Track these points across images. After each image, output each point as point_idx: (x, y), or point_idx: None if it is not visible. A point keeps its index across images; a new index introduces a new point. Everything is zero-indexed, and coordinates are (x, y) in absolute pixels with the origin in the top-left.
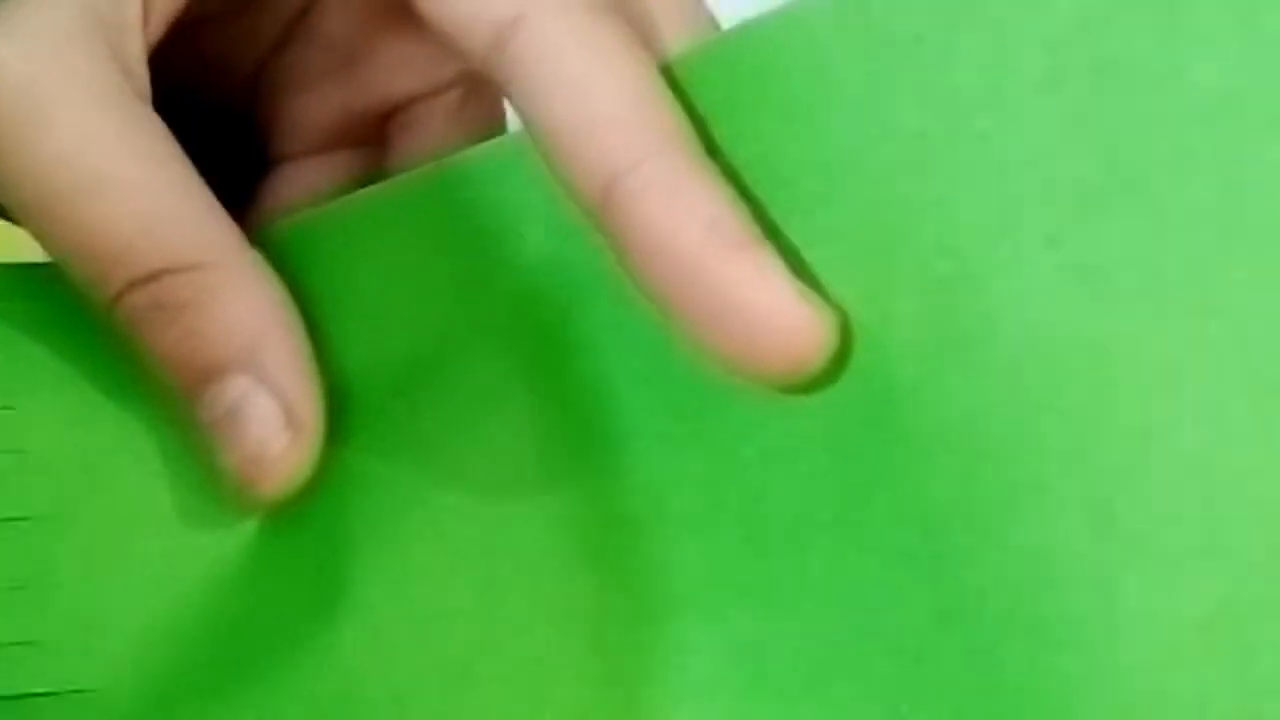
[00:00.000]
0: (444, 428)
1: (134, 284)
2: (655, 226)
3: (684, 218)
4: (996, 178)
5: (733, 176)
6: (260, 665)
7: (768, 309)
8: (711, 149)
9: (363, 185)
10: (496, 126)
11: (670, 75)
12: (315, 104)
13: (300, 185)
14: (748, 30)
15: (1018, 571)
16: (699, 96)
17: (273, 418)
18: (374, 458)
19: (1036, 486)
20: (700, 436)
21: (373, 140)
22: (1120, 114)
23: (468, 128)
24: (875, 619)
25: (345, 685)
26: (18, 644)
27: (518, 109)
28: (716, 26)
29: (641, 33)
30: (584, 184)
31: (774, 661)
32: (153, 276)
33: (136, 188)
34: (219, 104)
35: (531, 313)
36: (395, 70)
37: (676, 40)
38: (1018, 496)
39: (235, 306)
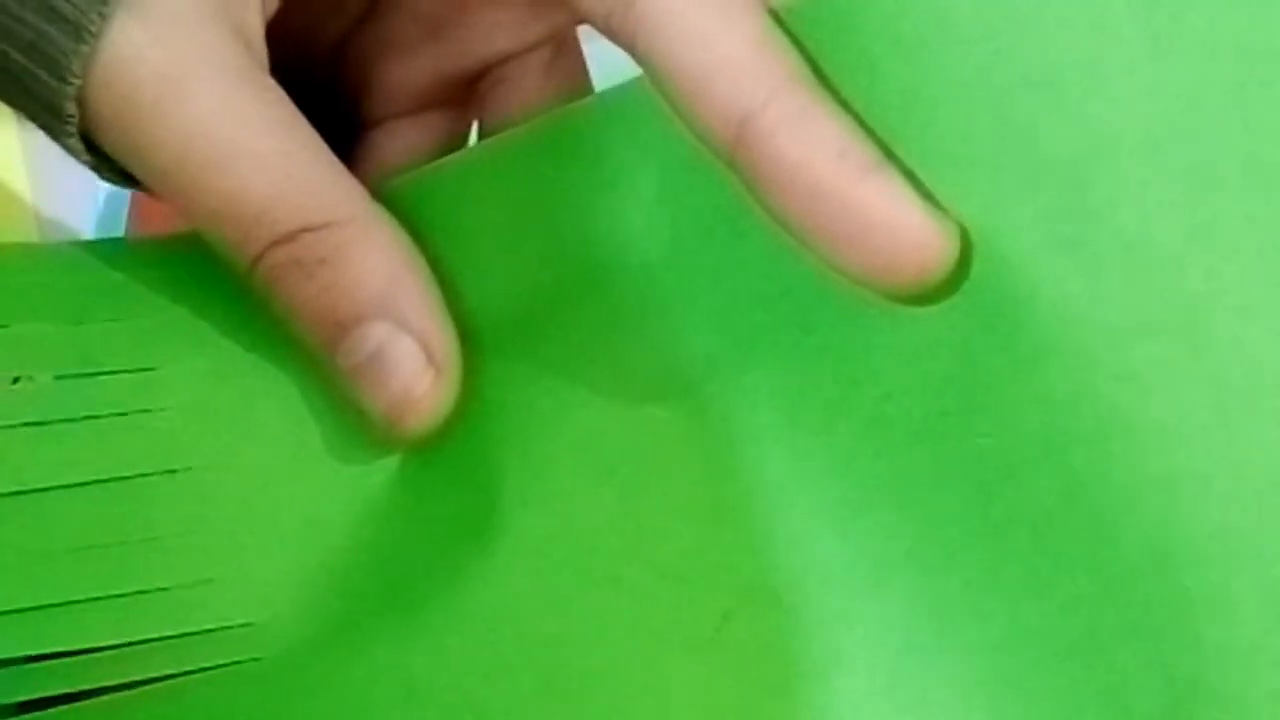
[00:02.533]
0: (574, 355)
1: (274, 244)
2: (789, 159)
3: (815, 148)
4: (1096, 92)
5: (848, 108)
6: (415, 592)
7: (898, 224)
8: (825, 84)
9: (454, 144)
10: (584, 83)
11: (781, 19)
12: (406, 70)
13: (393, 147)
14: None
15: (1141, 447)
16: (808, 37)
17: (415, 359)
18: (504, 388)
19: (1156, 370)
20: (828, 348)
21: (463, 101)
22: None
23: (557, 85)
24: (1001, 501)
25: (502, 605)
26: (189, 585)
27: (645, 62)
28: None
29: None
30: (717, 126)
31: (902, 551)
32: (291, 236)
33: (271, 154)
34: (301, 75)
35: (649, 248)
36: (485, 32)
37: None
38: (1139, 383)
39: (369, 258)
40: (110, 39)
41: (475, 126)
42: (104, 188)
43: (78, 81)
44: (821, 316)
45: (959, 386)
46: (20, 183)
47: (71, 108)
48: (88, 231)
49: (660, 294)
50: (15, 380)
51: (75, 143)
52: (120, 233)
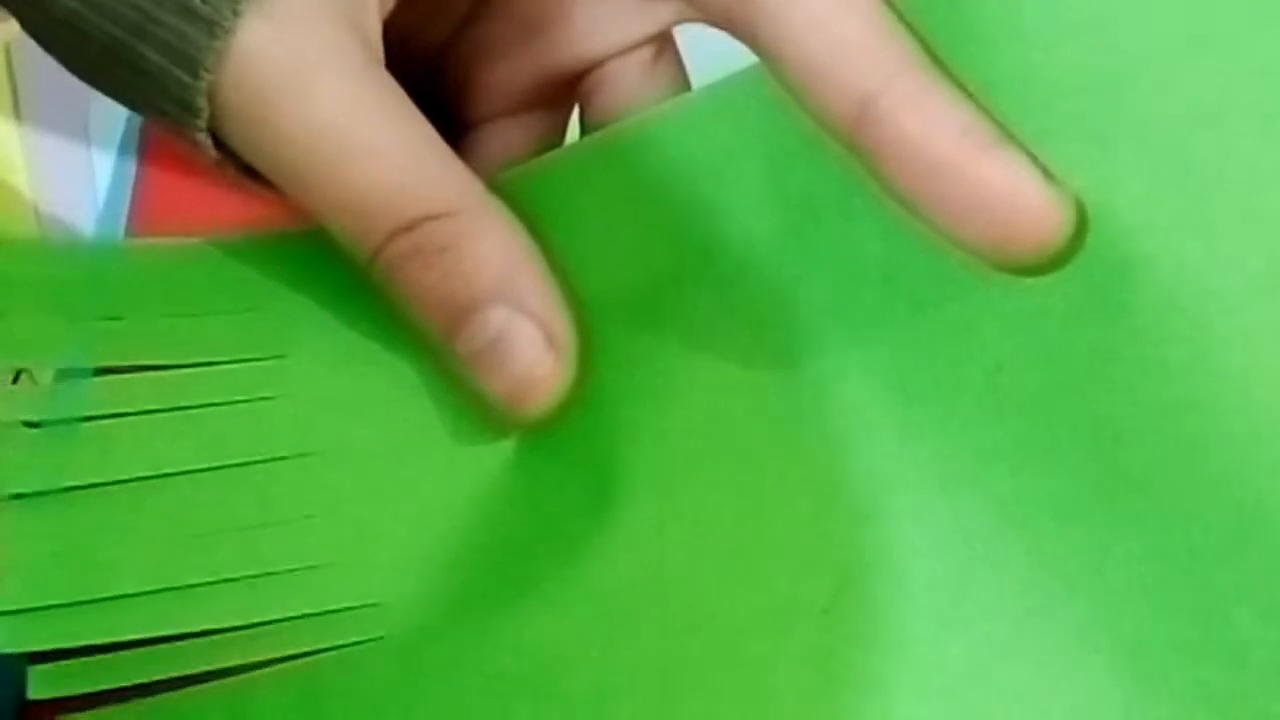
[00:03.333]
0: (687, 337)
1: (395, 234)
2: (911, 135)
3: (937, 125)
4: (1203, 65)
5: (965, 89)
6: (535, 570)
7: (1018, 196)
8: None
9: (553, 144)
10: (683, 82)
11: (896, 5)
12: (508, 71)
13: (494, 147)
14: None
15: (1257, 409)
16: (923, 21)
17: (535, 342)
18: (619, 370)
19: (1271, 333)
20: (939, 323)
21: (565, 100)
22: None
23: (658, 84)
24: (1118, 465)
25: (620, 583)
26: (313, 567)
27: (766, 49)
28: None
29: None
30: (839, 107)
31: (1017, 519)
32: (413, 225)
33: (392, 147)
34: (407, 76)
35: (758, 233)
36: (587, 33)
37: None
38: (1253, 342)
39: (487, 245)
40: (241, 36)
41: (576, 123)
42: (104, 188)
43: (210, 76)
44: (931, 292)
45: (1073, 356)
46: (20, 182)
47: (203, 102)
48: (87, 231)
49: (771, 276)
50: (142, 369)
51: (204, 138)
52: (119, 233)
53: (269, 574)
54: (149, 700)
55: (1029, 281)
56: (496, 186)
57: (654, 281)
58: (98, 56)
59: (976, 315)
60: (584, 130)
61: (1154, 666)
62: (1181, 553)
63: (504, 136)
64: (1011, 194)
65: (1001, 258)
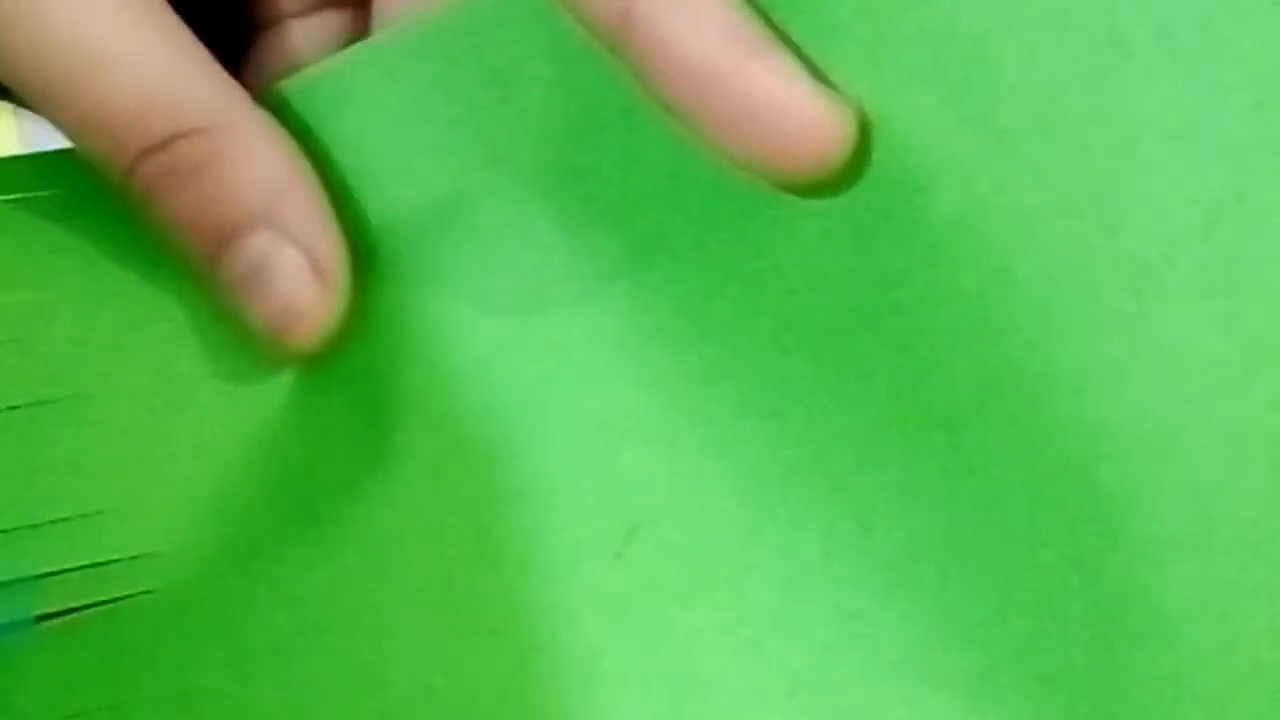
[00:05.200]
0: (471, 262)
1: (147, 152)
2: (674, 41)
3: (701, 29)
4: None
5: None
6: (315, 516)
7: (790, 108)
8: None
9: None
10: None
11: None
12: None
13: (287, 49)
14: None
15: (1055, 337)
16: None
17: (299, 269)
18: (401, 299)
19: (1069, 255)
20: (730, 244)
21: (358, 1)
22: None
23: None
24: (916, 396)
25: (402, 528)
26: (80, 516)
27: None
28: None
29: None
30: (600, 11)
31: (814, 454)
32: (164, 143)
33: (140, 58)
34: None
35: (546, 144)
36: None
37: None
38: (1053, 269)
39: (249, 164)
40: None
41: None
42: None
43: None
44: (722, 211)
45: (866, 280)
46: None
47: None
48: None
49: (558, 192)
50: None
51: None
52: None
53: (31, 526)
54: None
55: (818, 200)
56: (269, 97)
57: (438, 201)
58: None
59: (767, 237)
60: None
61: (957, 607)
62: (984, 490)
63: (297, 38)
64: (781, 103)
65: (776, 174)
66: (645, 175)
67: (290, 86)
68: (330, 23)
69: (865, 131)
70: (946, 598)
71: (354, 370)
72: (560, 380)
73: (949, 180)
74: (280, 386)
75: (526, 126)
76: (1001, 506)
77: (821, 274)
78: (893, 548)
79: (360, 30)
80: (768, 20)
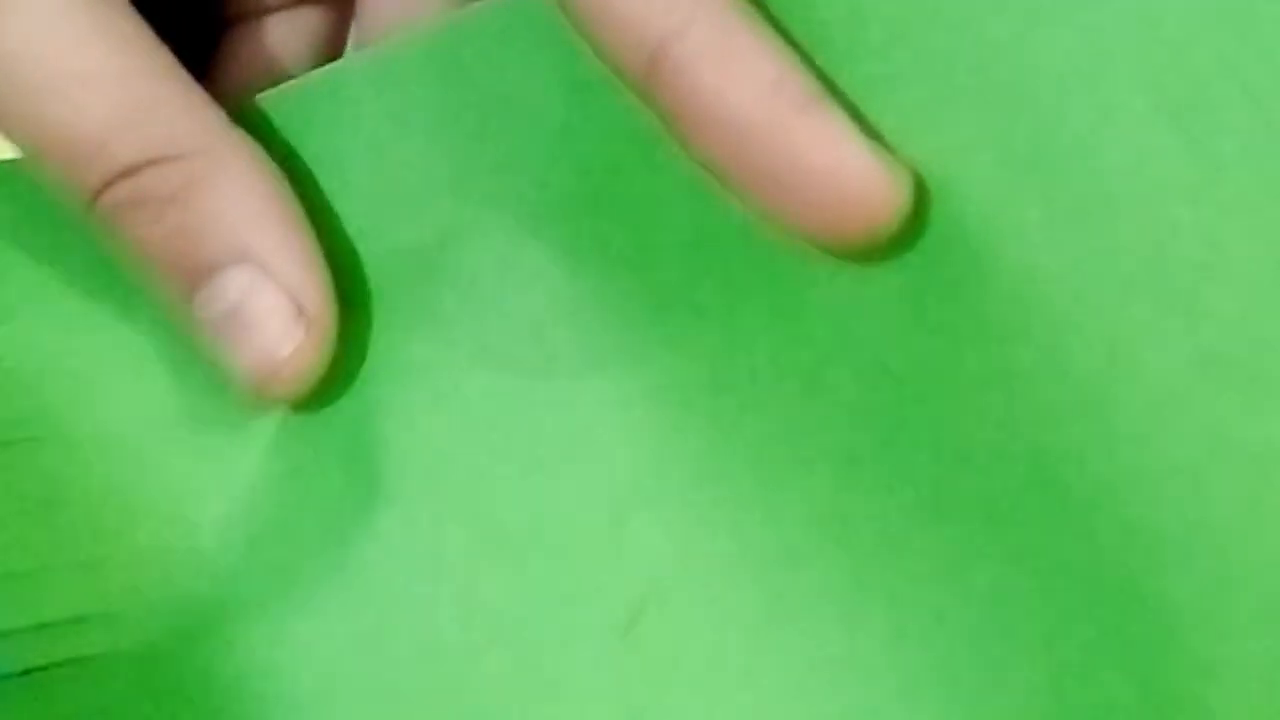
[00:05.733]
0: (467, 306)
1: (112, 180)
2: (712, 93)
3: (743, 81)
4: (1081, 8)
5: (784, 32)
6: (294, 576)
7: (841, 171)
8: (758, 2)
9: (330, 49)
10: None
11: None
12: None
13: (260, 48)
14: None
15: (1120, 429)
16: None
17: (281, 312)
18: (389, 341)
19: (1140, 341)
20: (757, 304)
21: None
22: None
23: None
24: (955, 481)
25: (390, 593)
26: (41, 570)
27: None
28: None
29: None
30: (628, 54)
31: (842, 525)
32: (132, 170)
33: (109, 77)
34: None
35: (553, 180)
36: None
37: None
38: (1117, 349)
39: (227, 194)
40: None
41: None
42: None
43: None
44: (749, 267)
45: (910, 354)
46: None
47: None
48: None
49: (564, 235)
50: None
51: None
52: None
53: None
54: None
55: (859, 265)
56: (248, 113)
57: (432, 233)
58: None
59: (798, 300)
60: (359, 37)
61: (984, 707)
62: (1032, 592)
63: (271, 36)
64: (831, 165)
65: (822, 239)
66: (666, 222)
67: (271, 101)
68: (308, 20)
69: (921, 196)
70: (974, 697)
71: (338, 418)
72: (562, 442)
73: (1010, 252)
74: (260, 435)
75: (531, 159)
76: (1052, 613)
77: (858, 341)
78: (923, 645)
79: (340, 31)
80: (816, 72)
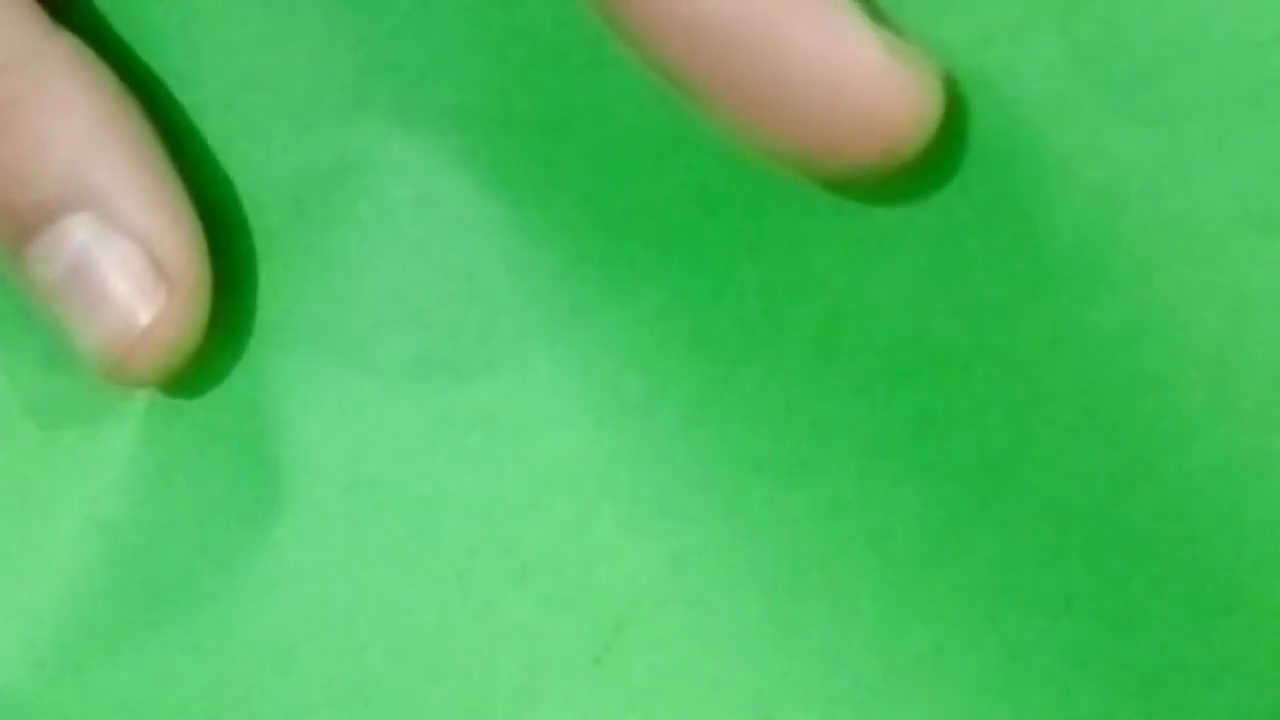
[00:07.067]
0: (376, 251)
1: None
2: None
3: None
4: None
5: None
6: (171, 605)
7: (849, 74)
8: None
9: None
10: None
11: None
12: None
13: None
14: None
15: (1228, 418)
16: None
17: (134, 270)
18: (282, 302)
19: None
20: (747, 245)
21: None
22: None
23: None
24: (1006, 478)
25: (299, 622)
26: None
27: None
28: None
29: None
30: None
31: (859, 527)
32: None
33: None
34: None
35: (485, 88)
36: None
37: None
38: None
39: (52, 120)
40: None
41: None
42: None
43: None
44: (738, 197)
45: (942, 310)
46: None
47: None
48: None
49: (500, 158)
50: None
51: None
52: None
53: None
54: None
55: (878, 199)
56: (76, 12)
57: (330, 156)
58: None
59: (802, 238)
60: None
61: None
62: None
63: None
64: (836, 68)
65: (828, 167)
66: (628, 143)
67: None
68: None
69: (954, 106)
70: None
71: (219, 404)
72: (509, 425)
73: (1078, 181)
74: (120, 422)
75: (455, 60)
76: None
77: (881, 298)
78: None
79: None
80: None
